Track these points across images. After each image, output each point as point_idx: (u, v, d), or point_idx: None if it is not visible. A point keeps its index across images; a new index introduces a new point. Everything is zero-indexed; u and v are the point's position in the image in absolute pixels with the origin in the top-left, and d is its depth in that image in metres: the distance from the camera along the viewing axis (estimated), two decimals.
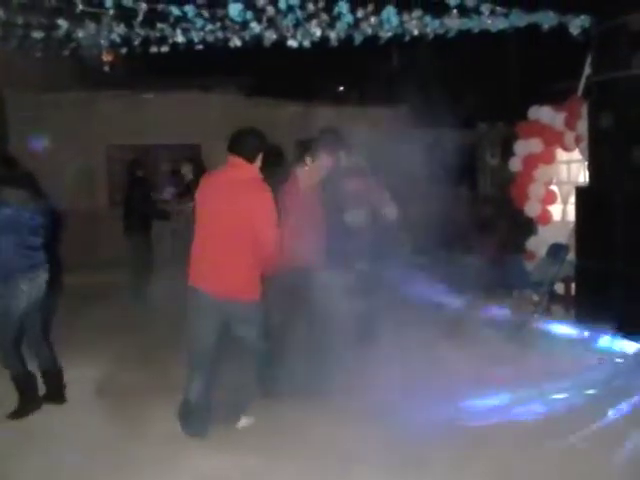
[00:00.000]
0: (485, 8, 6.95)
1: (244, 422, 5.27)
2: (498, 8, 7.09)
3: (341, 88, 19.71)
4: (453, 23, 7.10)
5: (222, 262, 4.91)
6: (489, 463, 4.52)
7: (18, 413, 5.63)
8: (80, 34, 6.92)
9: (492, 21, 7.18)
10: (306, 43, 6.78)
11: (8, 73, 12.42)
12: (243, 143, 5.02)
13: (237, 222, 4.87)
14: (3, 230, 5.50)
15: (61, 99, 13.37)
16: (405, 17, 6.82)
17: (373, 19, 6.57)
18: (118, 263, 10.27)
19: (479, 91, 14.71)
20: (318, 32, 6.54)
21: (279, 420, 5.28)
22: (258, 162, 5.05)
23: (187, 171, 9.42)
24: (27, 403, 5.72)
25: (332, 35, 6.76)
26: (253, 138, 5.08)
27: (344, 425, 5.03)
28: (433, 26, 7.08)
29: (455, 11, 6.89)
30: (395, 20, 6.71)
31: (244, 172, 4.99)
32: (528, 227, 9.16)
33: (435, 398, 5.35)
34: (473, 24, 7.16)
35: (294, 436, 5.02)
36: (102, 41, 7.15)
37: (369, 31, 6.85)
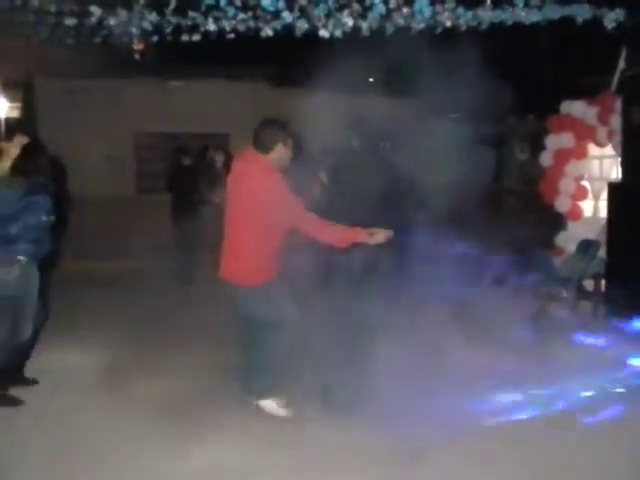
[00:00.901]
0: (519, 0, 6.88)
1: (269, 404, 5.32)
2: (532, 0, 7.01)
3: (370, 79, 19.57)
4: (486, 15, 7.04)
5: (233, 249, 5.05)
6: (519, 458, 4.51)
7: None
8: (112, 22, 6.94)
9: (526, 13, 7.11)
10: (337, 33, 6.76)
11: (39, 60, 12.51)
12: (257, 135, 5.09)
13: (245, 210, 4.95)
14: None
15: (90, 86, 13.45)
16: (438, 8, 6.78)
17: (405, 10, 6.53)
18: (146, 250, 10.33)
19: (509, 84, 14.60)
20: (350, 22, 6.51)
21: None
22: (277, 152, 5.08)
23: (218, 159, 9.49)
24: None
25: (364, 25, 6.73)
26: (269, 129, 5.10)
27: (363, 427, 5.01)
28: (466, 18, 7.02)
29: (489, 3, 6.83)
30: (428, 11, 6.67)
31: (253, 164, 5.03)
32: (557, 222, 9.07)
33: (459, 393, 5.34)
34: (506, 16, 7.10)
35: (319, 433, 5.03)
36: (133, 29, 7.17)
37: (401, 22, 6.81)
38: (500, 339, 6.40)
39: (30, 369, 5.81)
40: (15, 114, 14.03)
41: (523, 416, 5.17)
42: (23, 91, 13.69)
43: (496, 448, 4.60)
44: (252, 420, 5.11)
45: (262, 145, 5.01)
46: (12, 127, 13.05)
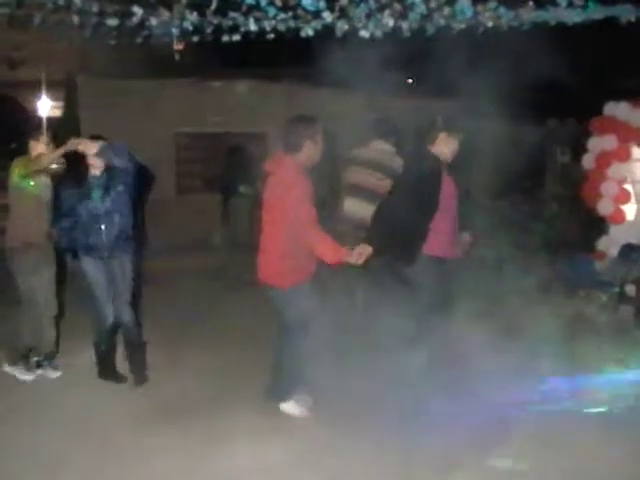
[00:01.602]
0: (562, 0, 6.77)
1: (289, 407, 5.33)
2: (575, 1, 6.89)
3: (409, 80, 19.44)
4: (528, 15, 6.94)
5: (263, 249, 5.22)
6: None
7: None
8: (153, 22, 6.97)
9: (568, 14, 7.00)
10: (378, 33, 6.71)
11: (81, 60, 12.66)
12: (286, 134, 5.16)
13: (273, 211, 5.10)
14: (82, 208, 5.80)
15: (131, 86, 13.53)
16: (479, 8, 6.70)
17: (447, 10, 6.46)
18: (184, 249, 10.46)
19: (550, 86, 14.39)
20: (390, 22, 6.46)
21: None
22: (306, 150, 5.10)
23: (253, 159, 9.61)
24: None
25: (404, 26, 6.68)
26: (296, 127, 5.15)
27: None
28: (507, 18, 6.93)
29: (531, 3, 6.74)
30: (469, 11, 6.59)
31: (281, 164, 5.15)
32: (599, 226, 8.94)
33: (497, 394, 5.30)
34: (548, 16, 6.99)
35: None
36: (174, 29, 7.19)
37: (442, 22, 6.74)
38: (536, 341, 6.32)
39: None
40: (57, 113, 14.20)
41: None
42: (65, 91, 13.83)
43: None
44: (269, 422, 5.14)
45: (291, 144, 5.07)
46: (54, 126, 13.20)
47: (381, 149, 6.69)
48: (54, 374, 6.24)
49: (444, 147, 5.49)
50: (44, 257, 6.12)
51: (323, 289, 5.48)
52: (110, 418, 5.35)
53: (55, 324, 6.31)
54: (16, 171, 5.94)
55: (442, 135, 5.50)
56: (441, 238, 5.44)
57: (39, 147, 6.10)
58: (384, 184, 6.28)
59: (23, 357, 6.21)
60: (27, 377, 6.18)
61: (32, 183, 5.96)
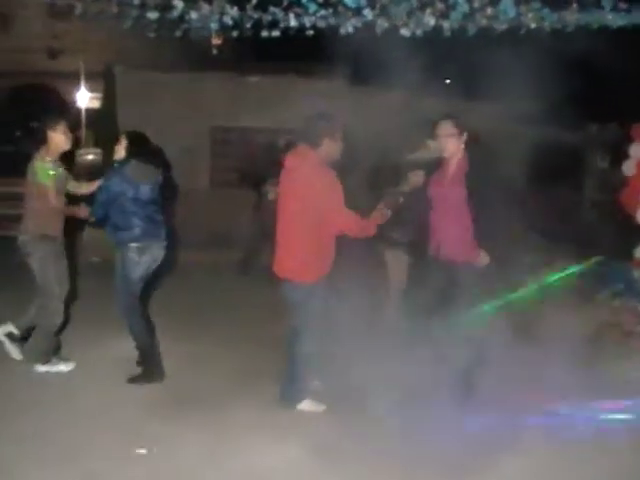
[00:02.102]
0: (607, 3, 6.65)
1: (305, 405, 5.36)
2: (620, 3, 6.77)
3: (447, 81, 19.28)
4: (571, 17, 6.82)
5: (281, 243, 5.22)
6: None
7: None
8: (193, 16, 6.97)
9: (612, 17, 6.87)
10: (418, 32, 6.64)
11: (120, 52, 12.73)
12: (304, 129, 5.16)
13: (294, 205, 5.08)
14: (126, 201, 5.82)
15: (168, 79, 13.59)
16: (522, 9, 6.60)
17: (490, 10, 6.38)
18: (214, 242, 10.50)
19: (591, 89, 14.23)
20: (432, 21, 6.39)
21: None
22: (325, 147, 5.12)
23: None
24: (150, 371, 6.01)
25: (445, 25, 6.59)
26: (315, 124, 5.16)
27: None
28: (550, 20, 6.82)
29: (575, 5, 6.62)
30: (512, 12, 6.50)
31: (303, 158, 5.14)
32: (637, 233, 8.77)
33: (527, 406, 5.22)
34: (592, 19, 6.87)
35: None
36: (213, 24, 7.19)
37: (484, 22, 6.66)
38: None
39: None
40: (95, 105, 14.30)
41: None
42: (103, 82, 13.93)
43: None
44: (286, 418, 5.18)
45: (310, 140, 5.09)
46: (93, 117, 13.31)
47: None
48: (66, 367, 6.23)
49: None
50: (60, 249, 6.15)
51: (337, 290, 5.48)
52: (129, 410, 5.37)
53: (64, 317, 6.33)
54: (36, 164, 5.97)
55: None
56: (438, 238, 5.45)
57: (57, 137, 6.11)
58: None
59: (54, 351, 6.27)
60: (65, 368, 6.21)
61: (51, 173, 5.97)
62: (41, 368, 6.13)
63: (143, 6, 7.03)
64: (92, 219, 6.13)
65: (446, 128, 5.45)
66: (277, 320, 6.07)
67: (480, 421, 4.93)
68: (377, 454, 4.67)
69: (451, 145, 5.44)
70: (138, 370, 6.02)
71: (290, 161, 5.23)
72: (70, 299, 6.49)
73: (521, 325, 6.33)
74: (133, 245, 5.81)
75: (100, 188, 6.00)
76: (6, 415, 5.20)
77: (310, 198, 4.97)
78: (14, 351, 6.27)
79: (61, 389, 5.75)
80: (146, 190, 5.89)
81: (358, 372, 5.30)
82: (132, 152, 5.93)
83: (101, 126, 11.51)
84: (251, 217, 10.27)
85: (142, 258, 5.85)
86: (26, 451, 4.64)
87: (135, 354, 6.11)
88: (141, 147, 6.05)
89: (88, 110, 13.74)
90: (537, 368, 5.57)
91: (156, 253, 5.96)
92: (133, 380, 5.90)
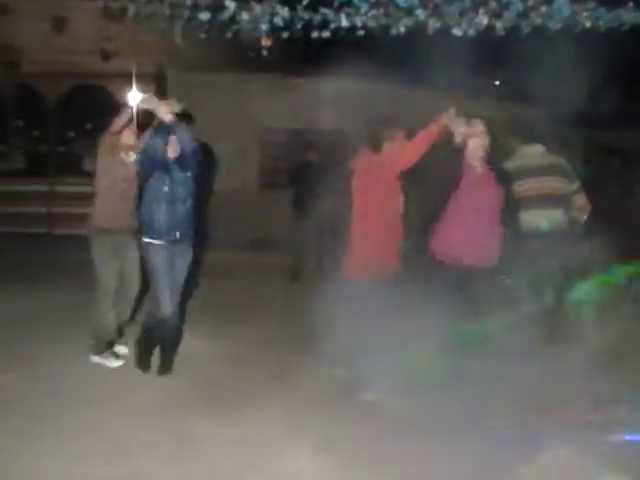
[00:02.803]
0: None
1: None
2: None
3: (497, 82, 19.06)
4: (628, 16, 6.68)
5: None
6: None
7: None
8: (244, 17, 6.99)
9: None
10: (470, 32, 6.55)
11: (171, 53, 12.84)
12: (367, 135, 5.26)
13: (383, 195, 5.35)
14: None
15: (219, 80, 13.68)
16: (577, 8, 6.48)
17: (544, 8, 6.27)
18: (259, 243, 10.54)
19: None
20: (484, 21, 6.29)
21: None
22: (386, 151, 5.17)
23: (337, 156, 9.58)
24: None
25: (498, 25, 6.49)
26: (375, 129, 5.25)
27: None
28: (606, 19, 6.69)
29: (631, 3, 6.49)
30: (567, 11, 6.38)
31: (367, 162, 5.40)
32: None
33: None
34: None
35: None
36: (264, 25, 7.20)
37: (538, 21, 6.54)
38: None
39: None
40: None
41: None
42: (155, 83, 14.07)
43: None
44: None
45: (372, 144, 5.19)
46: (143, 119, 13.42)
47: (539, 152, 6.32)
48: (115, 363, 6.32)
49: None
50: (122, 243, 6.22)
51: None
52: (162, 404, 5.47)
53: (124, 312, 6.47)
54: (102, 148, 6.10)
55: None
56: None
57: (129, 137, 6.23)
58: (566, 186, 6.16)
59: (107, 345, 6.35)
60: (114, 364, 6.32)
61: (112, 162, 6.14)
62: (94, 358, 6.27)
63: (195, 7, 7.08)
64: None
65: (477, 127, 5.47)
66: (319, 322, 6.02)
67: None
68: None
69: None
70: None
71: (355, 164, 5.36)
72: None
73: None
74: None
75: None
76: (57, 409, 5.29)
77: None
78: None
79: (109, 385, 5.86)
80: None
81: None
82: None
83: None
84: (300, 220, 10.21)
85: None
86: (73, 446, 4.71)
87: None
88: None
89: (139, 111, 13.83)
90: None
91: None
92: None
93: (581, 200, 6.19)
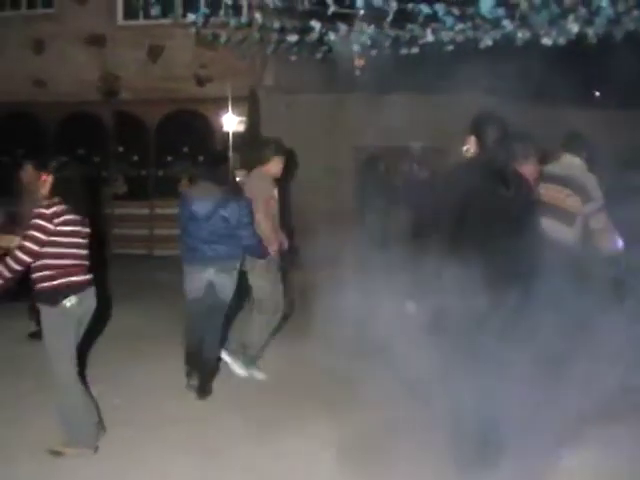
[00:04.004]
0: None
1: None
2: None
3: (597, 93, 18.45)
4: None
5: None
6: None
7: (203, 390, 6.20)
8: (332, 37, 7.05)
9: None
10: (561, 41, 6.38)
11: (264, 75, 13.09)
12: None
13: None
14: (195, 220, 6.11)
15: (310, 100, 13.82)
16: None
17: (636, 12, 6.06)
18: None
19: None
20: (575, 29, 6.10)
21: None
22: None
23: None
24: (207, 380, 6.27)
25: (589, 32, 6.29)
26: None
27: None
28: None
29: None
30: None
31: None
32: None
33: None
34: None
35: None
36: (353, 44, 7.25)
37: (631, 27, 6.33)
38: None
39: None
40: (240, 128, 14.74)
41: None
42: (248, 105, 14.35)
43: None
44: None
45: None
46: (238, 141, 13.71)
47: (570, 163, 6.20)
48: (260, 375, 6.64)
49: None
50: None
51: None
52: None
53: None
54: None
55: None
56: None
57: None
58: (572, 200, 5.93)
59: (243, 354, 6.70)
60: (241, 372, 6.65)
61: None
62: (226, 358, 6.69)
63: (283, 30, 7.19)
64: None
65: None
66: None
67: None
68: None
69: None
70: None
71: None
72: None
73: None
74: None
75: None
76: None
77: None
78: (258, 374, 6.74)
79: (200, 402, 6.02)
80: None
81: None
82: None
83: (246, 149, 11.84)
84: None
85: None
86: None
87: None
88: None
89: (235, 134, 14.14)
90: None
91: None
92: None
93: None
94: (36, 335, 7.31)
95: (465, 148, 4.60)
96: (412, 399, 5.08)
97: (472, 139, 4.56)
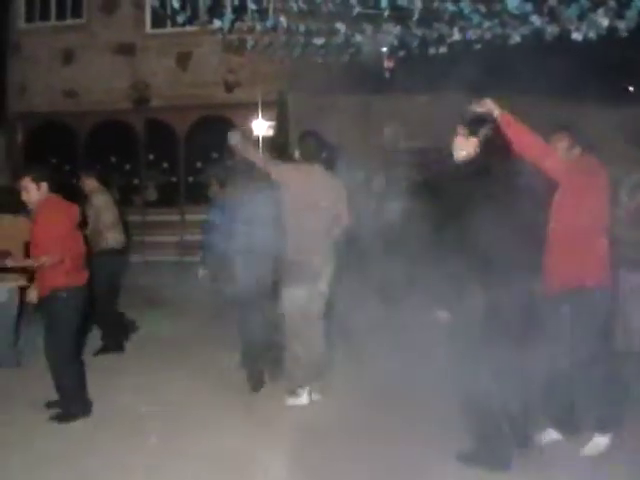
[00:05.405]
0: None
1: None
2: None
3: (630, 88, 18.10)
4: None
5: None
6: None
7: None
8: (358, 38, 7.00)
9: None
10: (591, 35, 6.23)
11: (290, 79, 13.06)
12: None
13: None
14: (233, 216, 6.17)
15: (338, 102, 13.75)
16: None
17: None
18: None
19: None
20: (605, 22, 5.95)
21: None
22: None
23: None
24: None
25: (621, 25, 6.13)
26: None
27: None
28: None
29: None
30: None
31: None
32: None
33: None
34: None
35: None
36: (380, 45, 7.19)
37: None
38: None
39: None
40: (269, 132, 14.75)
41: None
42: (277, 109, 14.35)
43: None
44: None
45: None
46: (267, 145, 13.72)
47: None
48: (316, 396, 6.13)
49: None
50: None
51: None
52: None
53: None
54: None
55: None
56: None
57: None
58: None
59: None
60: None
61: None
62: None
63: (309, 33, 7.16)
64: None
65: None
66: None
67: None
68: None
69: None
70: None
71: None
72: None
73: None
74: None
75: None
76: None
77: None
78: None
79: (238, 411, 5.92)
80: None
81: None
82: None
83: (275, 152, 11.83)
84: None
85: None
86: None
87: None
88: None
89: (264, 138, 14.17)
90: None
91: None
92: None
93: None
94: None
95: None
96: None
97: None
